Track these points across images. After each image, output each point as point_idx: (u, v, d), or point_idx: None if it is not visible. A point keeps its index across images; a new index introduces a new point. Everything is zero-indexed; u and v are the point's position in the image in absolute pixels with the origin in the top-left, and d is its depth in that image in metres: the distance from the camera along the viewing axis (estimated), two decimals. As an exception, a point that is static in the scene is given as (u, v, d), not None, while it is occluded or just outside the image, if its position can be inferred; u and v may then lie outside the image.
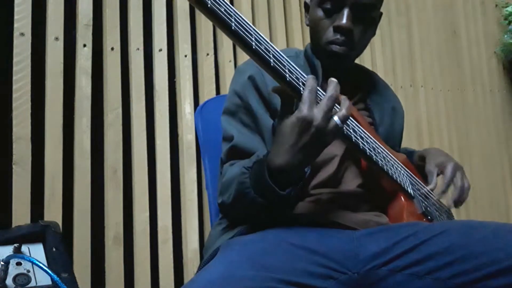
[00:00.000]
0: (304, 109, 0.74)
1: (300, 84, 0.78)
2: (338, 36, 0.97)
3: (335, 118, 0.75)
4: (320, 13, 1.00)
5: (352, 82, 1.09)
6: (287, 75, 0.76)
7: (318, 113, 0.74)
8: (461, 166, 1.06)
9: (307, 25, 1.08)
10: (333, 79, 0.78)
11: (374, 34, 1.06)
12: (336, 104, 0.78)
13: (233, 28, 0.70)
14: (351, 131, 0.86)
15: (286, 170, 0.78)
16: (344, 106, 0.77)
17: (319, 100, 0.77)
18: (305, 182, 0.94)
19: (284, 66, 0.76)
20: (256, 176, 0.81)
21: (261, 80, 0.98)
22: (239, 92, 1.00)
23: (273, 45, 0.77)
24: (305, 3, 1.10)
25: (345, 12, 0.96)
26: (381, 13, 1.06)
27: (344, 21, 0.95)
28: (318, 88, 0.78)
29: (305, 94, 0.75)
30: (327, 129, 0.74)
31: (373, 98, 1.10)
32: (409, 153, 1.19)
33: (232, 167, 0.93)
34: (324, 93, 0.83)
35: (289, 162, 0.77)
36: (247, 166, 0.84)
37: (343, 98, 0.79)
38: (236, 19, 0.71)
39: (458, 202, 1.03)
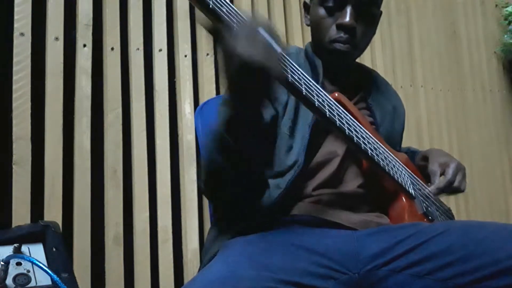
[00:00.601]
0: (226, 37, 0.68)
1: (302, 84, 0.78)
2: (342, 34, 0.97)
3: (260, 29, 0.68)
4: (322, 11, 0.99)
5: (353, 82, 1.09)
6: (289, 76, 0.76)
7: (239, 39, 0.67)
8: (464, 167, 1.06)
9: (307, 25, 1.07)
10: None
11: (375, 32, 1.06)
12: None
13: (210, 6, 0.68)
14: (353, 131, 0.85)
15: (227, 103, 0.73)
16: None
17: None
18: (304, 182, 0.94)
19: (286, 67, 0.76)
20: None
21: None
22: None
23: None
24: (305, 3, 1.09)
25: (348, 10, 0.96)
26: (381, 12, 1.06)
27: (347, 19, 0.95)
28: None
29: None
30: (248, 56, 0.65)
31: (374, 97, 1.10)
32: (412, 153, 1.19)
33: None
34: (321, 91, 0.83)
35: (229, 88, 0.71)
36: None
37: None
38: (238, 20, 0.71)
39: (443, 193, 1.02)
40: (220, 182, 0.85)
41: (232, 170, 0.81)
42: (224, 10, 0.70)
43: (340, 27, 0.97)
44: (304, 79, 0.79)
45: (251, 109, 0.75)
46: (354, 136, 0.85)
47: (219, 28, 0.69)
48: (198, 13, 0.71)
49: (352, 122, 0.88)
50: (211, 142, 0.80)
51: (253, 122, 0.76)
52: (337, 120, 0.83)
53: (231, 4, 0.72)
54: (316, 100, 0.80)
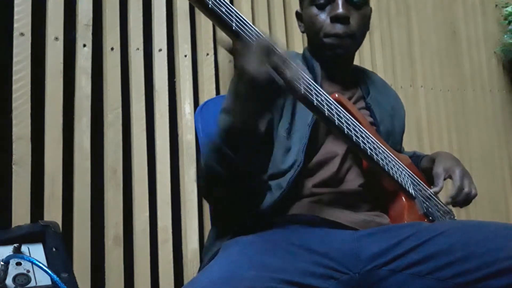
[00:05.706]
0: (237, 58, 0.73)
1: (301, 83, 0.78)
2: (337, 26, 0.98)
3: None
4: (314, 10, 1.02)
5: (351, 82, 1.10)
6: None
7: (250, 60, 0.71)
8: (468, 172, 1.06)
9: (302, 32, 1.10)
10: None
11: (368, 27, 1.06)
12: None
13: (234, 28, 0.71)
14: (352, 130, 0.86)
15: (230, 112, 0.77)
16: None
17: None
18: (305, 181, 0.94)
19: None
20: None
21: None
22: None
23: None
24: (297, 12, 1.12)
25: (339, 1, 0.98)
26: (371, 9, 1.07)
27: (340, 9, 0.97)
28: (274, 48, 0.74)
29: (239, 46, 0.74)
30: (257, 73, 0.71)
31: (373, 97, 1.10)
32: (417, 157, 1.19)
33: None
34: (320, 90, 0.83)
35: (231, 105, 0.77)
36: None
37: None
38: (237, 19, 0.72)
39: (457, 204, 1.02)
40: (217, 185, 0.86)
41: (229, 178, 0.83)
42: (223, 10, 0.70)
43: (334, 18, 0.98)
44: (304, 79, 0.79)
45: (252, 118, 0.77)
46: (353, 135, 0.85)
47: (235, 45, 0.73)
48: (220, 33, 0.75)
49: (352, 121, 0.88)
50: (210, 152, 0.83)
51: (252, 131, 0.79)
52: (336, 119, 0.83)
53: (230, 5, 0.72)
54: (315, 99, 0.80)
